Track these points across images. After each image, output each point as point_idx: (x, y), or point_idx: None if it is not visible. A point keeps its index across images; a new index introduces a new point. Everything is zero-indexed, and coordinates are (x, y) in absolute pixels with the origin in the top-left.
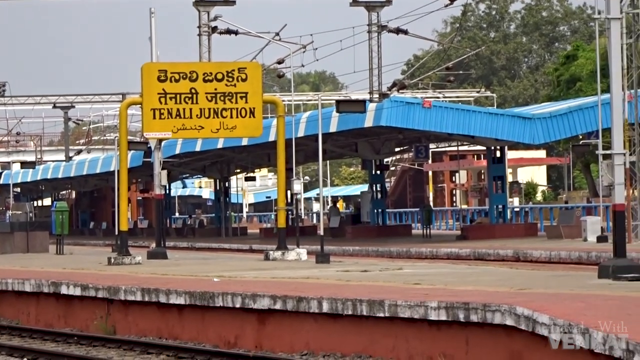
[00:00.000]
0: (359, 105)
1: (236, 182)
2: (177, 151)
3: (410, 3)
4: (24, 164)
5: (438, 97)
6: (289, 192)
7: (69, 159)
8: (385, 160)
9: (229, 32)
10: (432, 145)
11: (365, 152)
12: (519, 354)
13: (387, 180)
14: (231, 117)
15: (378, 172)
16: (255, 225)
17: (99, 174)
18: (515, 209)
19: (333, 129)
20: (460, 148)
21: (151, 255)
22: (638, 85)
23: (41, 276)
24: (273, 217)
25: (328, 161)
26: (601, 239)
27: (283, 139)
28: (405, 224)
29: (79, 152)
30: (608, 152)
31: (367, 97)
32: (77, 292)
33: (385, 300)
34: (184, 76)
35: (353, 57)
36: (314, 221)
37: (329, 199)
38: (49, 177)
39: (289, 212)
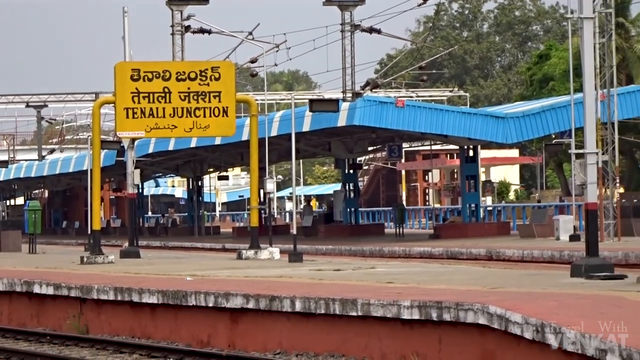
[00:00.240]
0: (332, 105)
1: (209, 181)
2: (150, 150)
3: (384, 2)
4: None
5: (411, 97)
6: (261, 191)
7: (41, 158)
8: (359, 159)
9: (202, 31)
10: (405, 145)
11: (338, 151)
12: (492, 352)
13: (360, 179)
14: (204, 116)
15: (351, 171)
16: (228, 225)
17: (72, 173)
18: (488, 208)
19: (306, 128)
20: (433, 147)
21: (124, 254)
22: (610, 84)
23: (14, 275)
24: (246, 216)
25: (301, 160)
26: (574, 237)
27: (256, 138)
28: (378, 223)
29: (51, 151)
30: (581, 151)
31: (340, 96)
32: (50, 291)
33: (358, 299)
34: (157, 75)
35: (326, 57)
36: (287, 220)
37: (302, 198)
38: (21, 176)
39: (262, 211)
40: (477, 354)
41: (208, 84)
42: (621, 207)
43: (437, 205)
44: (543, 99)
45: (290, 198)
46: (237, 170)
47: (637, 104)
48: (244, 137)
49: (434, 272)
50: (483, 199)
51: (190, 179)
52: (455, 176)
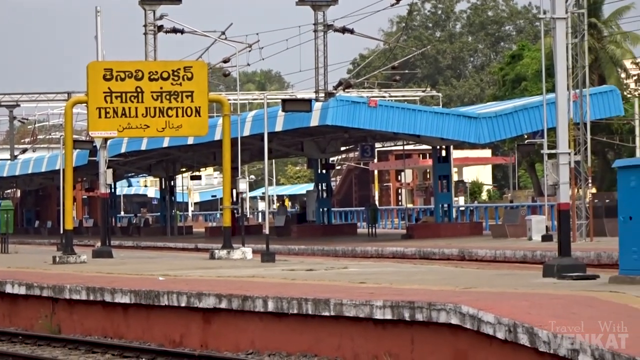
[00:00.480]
0: (305, 105)
1: (182, 181)
2: (123, 150)
3: (356, 2)
4: None
5: (384, 97)
6: (234, 191)
7: (14, 157)
8: (331, 159)
9: (174, 31)
10: (377, 145)
11: (311, 151)
12: (464, 352)
13: (332, 179)
14: (177, 116)
15: (324, 171)
16: (201, 224)
17: (44, 172)
18: (461, 208)
19: (279, 128)
20: (406, 147)
21: (96, 254)
22: (583, 85)
23: None
24: (219, 216)
25: (274, 160)
26: (546, 238)
27: (229, 138)
28: (350, 222)
29: (24, 150)
30: (553, 151)
31: (313, 96)
32: (22, 291)
33: (331, 299)
34: (130, 75)
35: (299, 56)
36: (260, 220)
37: (275, 198)
38: None
39: (235, 211)
40: (450, 354)
41: (181, 84)
42: (593, 207)
43: (410, 206)
44: (515, 99)
45: (263, 198)
46: (210, 170)
47: (609, 104)
48: (217, 137)
49: (407, 272)
50: (455, 199)
51: (163, 179)
52: (428, 176)
